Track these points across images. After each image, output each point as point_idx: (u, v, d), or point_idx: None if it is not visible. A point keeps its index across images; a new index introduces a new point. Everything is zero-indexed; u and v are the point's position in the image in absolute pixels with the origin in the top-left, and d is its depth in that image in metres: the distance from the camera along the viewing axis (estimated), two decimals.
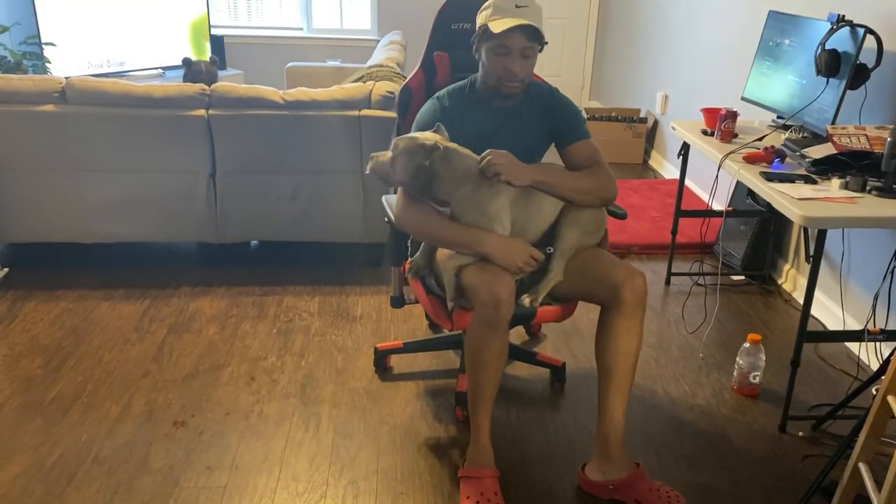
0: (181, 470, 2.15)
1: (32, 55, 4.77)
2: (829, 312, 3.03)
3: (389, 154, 2.03)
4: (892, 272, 2.54)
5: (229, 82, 3.35)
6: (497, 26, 2.02)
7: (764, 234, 3.41)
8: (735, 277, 3.48)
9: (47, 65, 4.76)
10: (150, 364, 2.67)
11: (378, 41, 5.06)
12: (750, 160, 2.60)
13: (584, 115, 5.35)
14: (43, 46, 4.74)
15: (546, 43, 2.11)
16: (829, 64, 2.61)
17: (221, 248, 3.47)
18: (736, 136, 2.89)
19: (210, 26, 5.57)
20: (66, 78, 3.20)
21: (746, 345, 2.56)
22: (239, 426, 2.35)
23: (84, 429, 2.31)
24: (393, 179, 2.06)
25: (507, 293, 1.94)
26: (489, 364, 1.99)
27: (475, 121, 2.15)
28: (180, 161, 3.26)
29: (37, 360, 2.67)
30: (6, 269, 3.30)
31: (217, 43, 5.65)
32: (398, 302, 2.43)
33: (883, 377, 1.80)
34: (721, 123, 2.86)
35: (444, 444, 2.30)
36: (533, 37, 2.04)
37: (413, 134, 2.07)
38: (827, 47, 2.63)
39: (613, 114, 5.35)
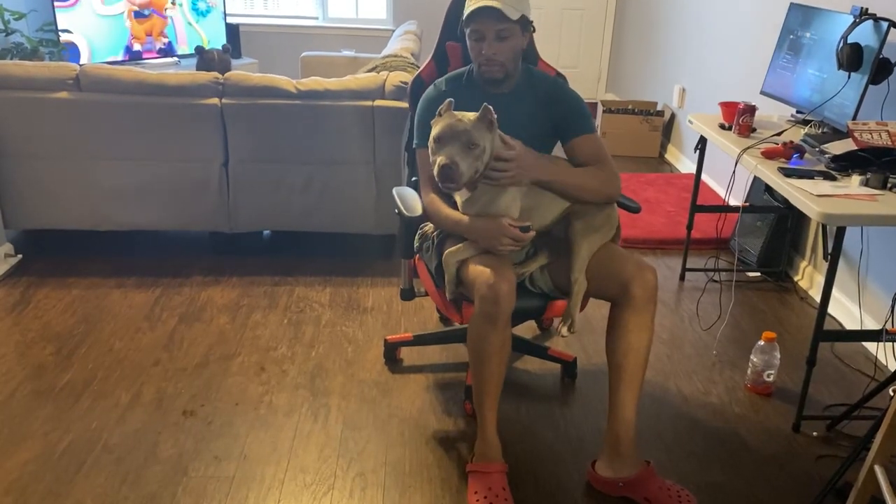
0: (190, 459, 2.15)
1: (49, 42, 4.78)
2: (846, 311, 2.99)
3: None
4: None
5: (243, 71, 3.34)
6: (468, 11, 2.03)
7: (781, 230, 3.36)
8: (750, 274, 3.44)
9: (63, 52, 4.77)
10: (161, 353, 2.67)
11: (393, 31, 5.03)
12: (768, 155, 2.56)
13: (601, 107, 5.31)
14: (59, 34, 4.75)
15: (531, 21, 2.07)
16: (851, 58, 2.56)
17: (233, 237, 3.47)
18: (754, 130, 2.84)
19: (225, 14, 5.56)
20: (81, 65, 3.20)
21: (761, 342, 2.53)
22: (248, 416, 2.35)
23: (94, 416, 2.32)
24: None
25: (507, 287, 1.91)
26: (491, 358, 1.98)
27: (472, 107, 2.10)
28: (193, 150, 3.26)
29: (49, 347, 2.68)
30: (19, 256, 3.31)
31: (232, 31, 5.63)
32: (408, 294, 2.41)
33: None
34: (739, 118, 2.81)
35: (452, 438, 2.28)
36: (503, 18, 1.99)
37: (454, 121, 1.96)
38: (849, 41, 2.58)
39: (630, 106, 5.30)
